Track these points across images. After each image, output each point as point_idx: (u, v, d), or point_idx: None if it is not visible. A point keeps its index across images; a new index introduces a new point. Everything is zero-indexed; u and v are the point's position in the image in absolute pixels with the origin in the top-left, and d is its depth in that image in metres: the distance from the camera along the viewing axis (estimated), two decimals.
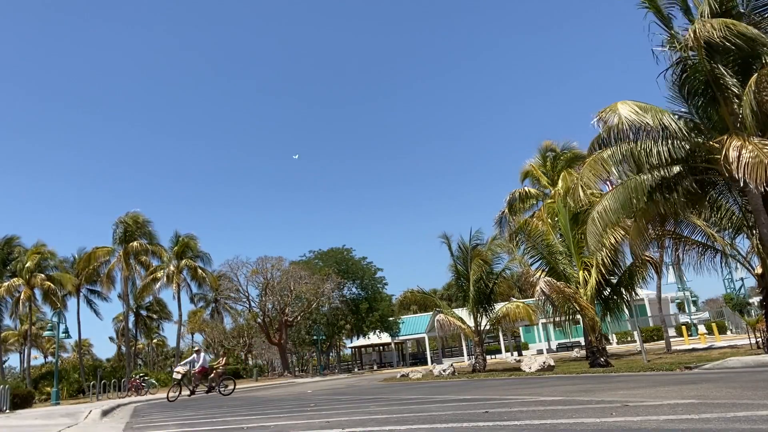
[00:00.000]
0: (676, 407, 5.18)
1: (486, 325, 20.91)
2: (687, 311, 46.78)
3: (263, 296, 44.05)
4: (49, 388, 29.42)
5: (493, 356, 39.40)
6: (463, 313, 21.86)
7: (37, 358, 63.60)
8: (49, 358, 60.87)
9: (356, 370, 53.70)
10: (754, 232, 13.05)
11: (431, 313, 40.88)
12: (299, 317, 45.31)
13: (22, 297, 37.75)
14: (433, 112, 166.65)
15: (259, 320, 45.47)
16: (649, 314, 42.93)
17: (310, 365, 58.60)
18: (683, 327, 34.58)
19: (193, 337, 61.47)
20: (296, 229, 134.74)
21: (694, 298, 51.09)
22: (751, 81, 11.12)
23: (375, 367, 53.22)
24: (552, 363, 16.86)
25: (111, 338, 72.18)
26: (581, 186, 12.88)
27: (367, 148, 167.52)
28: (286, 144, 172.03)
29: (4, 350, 55.09)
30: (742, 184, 11.02)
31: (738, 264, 15.90)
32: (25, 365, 43.20)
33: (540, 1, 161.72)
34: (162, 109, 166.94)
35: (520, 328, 46.64)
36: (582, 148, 28.12)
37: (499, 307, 20.94)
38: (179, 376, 18.74)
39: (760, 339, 17.10)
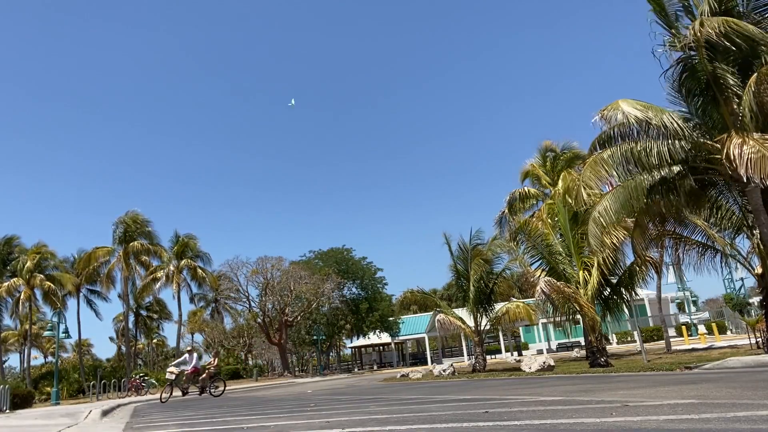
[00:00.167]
0: (676, 407, 5.17)
1: (486, 324, 20.91)
2: (687, 311, 46.78)
3: (263, 296, 44.05)
4: (49, 388, 29.42)
5: (493, 356, 39.40)
6: (463, 313, 21.86)
7: (37, 358, 63.65)
8: (49, 358, 60.87)
9: (356, 370, 53.68)
10: (754, 232, 13.06)
11: (431, 313, 40.89)
12: (299, 317, 45.31)
13: (22, 297, 37.76)
14: (433, 112, 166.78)
15: (259, 320, 45.46)
16: (649, 314, 42.91)
17: (310, 365, 58.58)
18: (683, 327, 34.58)
19: (193, 337, 61.53)
20: (296, 229, 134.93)
21: (694, 298, 51.09)
22: (751, 80, 11.14)
23: (375, 367, 53.22)
24: (552, 363, 16.86)
25: (111, 338, 72.23)
26: (583, 186, 12.87)
27: (367, 148, 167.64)
28: (286, 144, 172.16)
29: (4, 350, 55.12)
30: (745, 180, 11.02)
31: (738, 264, 15.91)
32: (25, 365, 43.20)
33: (540, 1, 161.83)
34: (162, 109, 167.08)
35: (520, 328, 46.64)
36: (582, 148, 28.17)
37: (499, 306, 20.94)
38: (173, 377, 18.61)
39: (760, 339, 17.11)
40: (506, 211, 29.74)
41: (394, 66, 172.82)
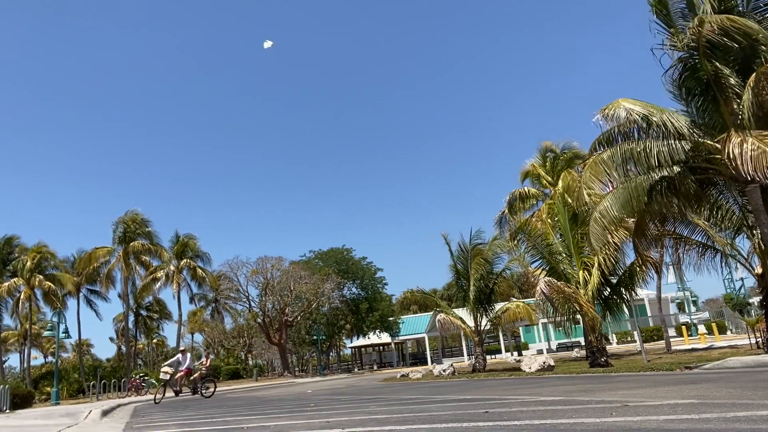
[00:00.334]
0: (676, 407, 5.17)
1: (486, 324, 20.91)
2: (687, 311, 46.76)
3: (263, 296, 44.05)
4: (49, 388, 29.40)
5: (493, 356, 39.39)
6: (463, 313, 21.86)
7: (37, 358, 63.61)
8: (49, 358, 60.84)
9: (356, 370, 53.67)
10: (754, 232, 13.06)
11: (431, 313, 40.87)
12: (299, 317, 45.31)
13: (22, 297, 37.74)
14: (433, 112, 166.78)
15: (259, 320, 45.46)
16: (649, 314, 42.91)
17: (310, 365, 58.54)
18: (683, 327, 34.57)
19: (193, 337, 61.51)
20: (296, 229, 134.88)
21: (694, 298, 51.07)
22: (750, 79, 11.15)
23: (375, 367, 53.21)
24: (552, 363, 16.86)
25: (111, 338, 72.22)
26: (584, 187, 12.87)
27: (367, 148, 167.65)
28: (286, 144, 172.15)
29: (4, 350, 55.11)
30: (748, 179, 11.00)
31: (738, 264, 15.91)
32: (25, 365, 43.16)
33: (540, 1, 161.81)
34: (162, 109, 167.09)
35: (520, 328, 46.64)
36: (582, 147, 28.17)
37: (500, 306, 20.94)
38: (167, 377, 18.55)
39: (760, 339, 17.11)
40: (506, 211, 29.73)
41: (394, 66, 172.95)
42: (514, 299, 27.29)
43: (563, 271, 17.45)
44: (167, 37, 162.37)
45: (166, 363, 20.16)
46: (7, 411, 17.06)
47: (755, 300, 38.44)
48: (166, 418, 10.47)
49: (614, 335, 41.39)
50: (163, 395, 18.38)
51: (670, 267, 21.74)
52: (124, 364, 44.23)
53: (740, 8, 12.27)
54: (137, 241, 41.75)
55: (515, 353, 40.00)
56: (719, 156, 11.55)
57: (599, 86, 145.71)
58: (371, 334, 49.37)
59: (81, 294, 42.42)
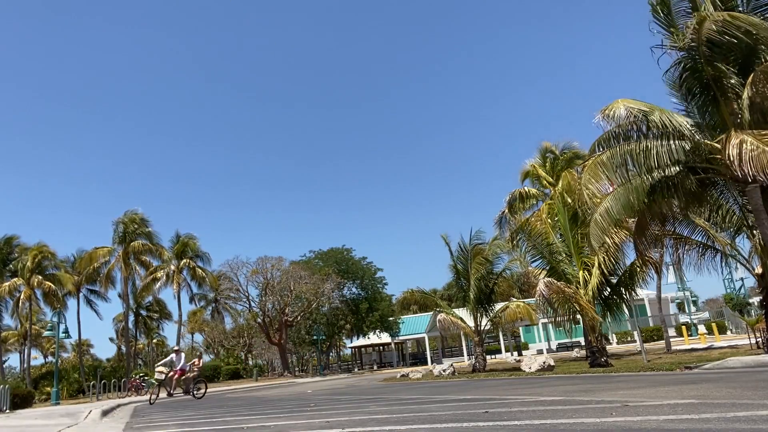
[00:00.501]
0: (676, 407, 5.17)
1: (486, 324, 20.91)
2: (687, 311, 46.76)
3: (263, 296, 44.05)
4: (49, 388, 29.40)
5: (493, 356, 39.39)
6: (463, 313, 21.86)
7: (37, 358, 63.61)
8: (49, 358, 60.86)
9: (356, 370, 53.66)
10: (755, 232, 13.05)
11: (431, 313, 40.87)
12: (299, 317, 45.30)
13: (22, 297, 37.72)
14: (433, 111, 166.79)
15: (259, 320, 45.46)
16: (649, 314, 42.90)
17: (310, 365, 58.55)
18: (683, 327, 34.56)
19: (193, 337, 61.50)
20: (296, 229, 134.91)
21: (694, 298, 51.08)
22: (750, 78, 11.15)
23: (375, 367, 53.19)
24: (552, 363, 16.86)
25: (111, 338, 72.19)
26: (584, 188, 12.86)
27: (367, 148, 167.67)
28: (286, 144, 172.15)
29: (4, 350, 55.09)
30: (748, 178, 10.99)
31: (738, 264, 15.89)
32: (25, 365, 43.16)
33: (540, 1, 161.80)
34: (162, 109, 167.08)
35: (520, 328, 46.62)
36: (582, 148, 28.16)
37: (500, 306, 20.94)
38: (162, 376, 18.47)
39: (760, 339, 17.11)
40: (506, 211, 29.72)
41: (393, 66, 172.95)
42: (514, 299, 27.30)
43: (563, 271, 17.45)
44: (167, 37, 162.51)
45: (160, 363, 20.14)
46: (7, 411, 17.06)
47: (755, 300, 38.47)
48: (166, 418, 10.47)
49: (614, 335, 41.38)
50: (158, 395, 18.36)
51: (670, 267, 21.74)
52: (124, 364, 44.23)
53: (741, 8, 12.26)
54: (137, 241, 41.76)
55: (515, 353, 39.99)
56: (719, 156, 11.55)
57: (599, 86, 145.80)
58: (371, 334, 49.36)
59: (81, 294, 42.42)
